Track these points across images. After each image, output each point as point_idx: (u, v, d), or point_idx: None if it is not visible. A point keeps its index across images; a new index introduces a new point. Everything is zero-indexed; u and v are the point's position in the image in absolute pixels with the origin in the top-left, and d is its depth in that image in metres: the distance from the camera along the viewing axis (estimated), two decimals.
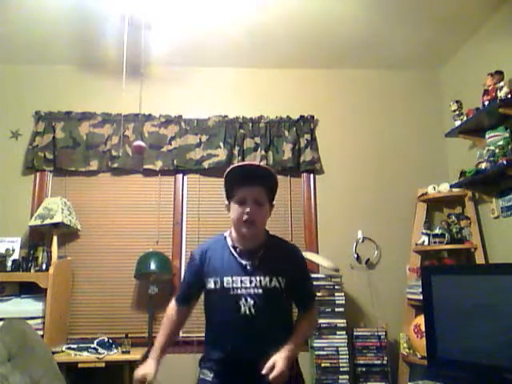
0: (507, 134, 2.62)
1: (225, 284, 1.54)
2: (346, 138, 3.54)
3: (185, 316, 1.74)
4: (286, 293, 1.58)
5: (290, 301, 1.65)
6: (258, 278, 1.53)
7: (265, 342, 1.50)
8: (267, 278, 1.54)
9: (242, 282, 1.53)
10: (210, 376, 1.59)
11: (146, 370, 1.61)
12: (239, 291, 1.52)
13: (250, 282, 1.53)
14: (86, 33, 3.08)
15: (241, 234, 1.59)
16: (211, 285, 1.57)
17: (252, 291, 1.52)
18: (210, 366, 1.61)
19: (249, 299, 1.51)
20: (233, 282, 1.54)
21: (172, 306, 1.73)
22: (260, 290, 1.52)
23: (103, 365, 2.69)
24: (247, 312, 1.50)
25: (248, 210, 1.55)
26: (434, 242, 3.09)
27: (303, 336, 1.64)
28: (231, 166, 1.64)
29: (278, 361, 1.41)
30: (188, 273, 1.70)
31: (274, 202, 1.68)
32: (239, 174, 1.60)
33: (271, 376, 1.38)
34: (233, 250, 1.61)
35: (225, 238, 1.67)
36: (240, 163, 1.76)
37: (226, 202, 1.65)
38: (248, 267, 1.56)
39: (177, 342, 3.17)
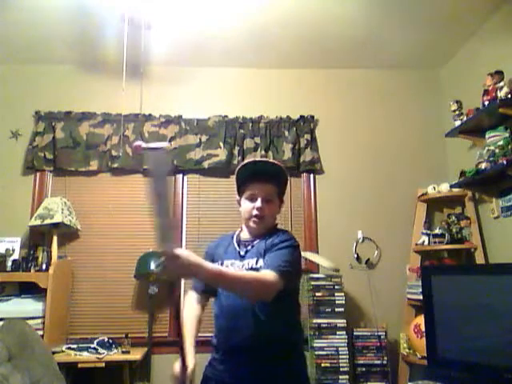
0: (507, 134, 2.62)
1: (224, 265, 1.62)
2: (345, 138, 3.54)
3: (203, 305, 1.73)
4: None
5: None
6: (247, 261, 1.61)
7: (253, 322, 1.54)
8: (254, 260, 1.60)
9: (237, 265, 1.62)
10: (208, 361, 1.68)
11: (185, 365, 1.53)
12: None
13: (242, 265, 1.61)
14: (86, 33, 3.08)
15: (250, 228, 1.68)
16: (218, 262, 1.65)
17: None
18: (211, 349, 1.68)
19: None
20: (230, 264, 1.62)
21: (190, 295, 1.73)
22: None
23: (103, 365, 2.69)
24: None
25: (258, 205, 1.62)
26: (434, 242, 3.09)
27: (233, 276, 1.41)
28: (243, 163, 1.72)
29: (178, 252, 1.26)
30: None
31: (284, 199, 1.76)
32: (250, 171, 1.67)
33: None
34: (234, 240, 1.71)
35: (234, 233, 1.77)
36: (251, 159, 1.80)
37: (237, 197, 1.73)
38: (241, 253, 1.65)
39: (177, 342, 3.17)
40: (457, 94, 3.14)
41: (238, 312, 1.56)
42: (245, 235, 1.71)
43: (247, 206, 1.65)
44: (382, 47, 3.33)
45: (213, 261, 1.66)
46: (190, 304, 1.69)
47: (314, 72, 3.62)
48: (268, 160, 1.75)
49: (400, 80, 3.65)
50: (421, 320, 2.74)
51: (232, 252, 1.67)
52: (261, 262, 1.57)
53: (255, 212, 1.62)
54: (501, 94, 2.52)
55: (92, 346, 2.79)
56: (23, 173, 3.34)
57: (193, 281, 1.76)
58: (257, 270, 1.54)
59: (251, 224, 1.65)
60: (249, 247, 1.66)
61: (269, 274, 1.44)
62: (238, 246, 1.68)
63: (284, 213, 3.37)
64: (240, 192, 1.71)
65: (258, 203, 1.62)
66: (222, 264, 1.63)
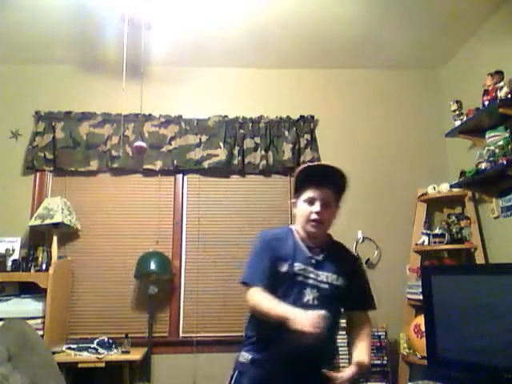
0: (507, 134, 2.61)
1: (295, 270, 1.56)
2: (345, 138, 3.54)
3: None
4: (347, 293, 1.63)
5: (341, 306, 1.69)
6: (324, 274, 1.59)
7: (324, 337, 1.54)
8: (334, 276, 1.59)
9: (309, 271, 1.57)
10: (247, 359, 1.59)
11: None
12: (306, 280, 1.56)
13: (317, 275, 1.57)
14: (86, 33, 3.08)
15: (308, 232, 1.64)
16: (284, 268, 1.57)
17: (318, 284, 1.56)
18: (252, 350, 1.60)
19: (314, 290, 1.56)
20: (302, 269, 1.57)
21: (256, 290, 1.53)
22: (326, 286, 1.57)
23: (103, 365, 2.69)
24: (310, 301, 1.54)
25: (317, 210, 1.59)
26: (434, 242, 3.09)
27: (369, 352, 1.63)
28: (304, 165, 1.68)
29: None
30: (263, 253, 1.61)
31: (340, 205, 1.74)
32: (312, 174, 1.64)
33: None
34: (300, 242, 1.65)
35: (291, 229, 1.70)
36: (313, 163, 1.76)
37: (293, 200, 1.70)
38: (313, 261, 1.60)
39: (177, 342, 3.18)
40: (457, 94, 3.14)
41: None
42: (305, 239, 1.65)
43: (305, 209, 1.62)
44: (382, 47, 3.33)
45: (276, 253, 1.59)
46: (264, 295, 1.53)
47: (313, 72, 3.62)
48: (329, 164, 1.69)
49: (400, 80, 3.65)
50: (421, 320, 2.74)
51: (302, 256, 1.60)
52: (340, 281, 1.60)
53: (314, 216, 1.59)
54: (501, 94, 2.52)
55: (92, 346, 2.79)
56: (23, 173, 3.34)
57: (252, 274, 1.60)
58: (336, 287, 1.59)
59: (309, 228, 1.61)
60: (319, 257, 1.62)
61: (368, 323, 1.72)
62: (308, 249, 1.62)
63: (284, 213, 3.37)
64: (297, 194, 1.67)
65: (317, 207, 1.60)
66: (292, 267, 1.56)
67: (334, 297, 1.59)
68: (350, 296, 1.65)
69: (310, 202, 1.61)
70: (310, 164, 1.69)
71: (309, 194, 1.62)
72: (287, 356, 1.49)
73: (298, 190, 1.67)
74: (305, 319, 1.37)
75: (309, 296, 1.54)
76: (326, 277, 1.58)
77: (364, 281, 1.75)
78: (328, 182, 1.63)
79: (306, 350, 1.46)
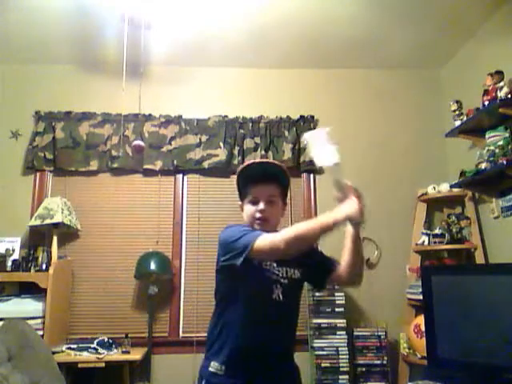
0: (507, 134, 2.61)
1: (262, 265, 1.56)
2: (345, 138, 3.53)
3: None
4: (307, 279, 1.68)
5: (301, 297, 1.70)
6: (283, 269, 1.58)
7: (284, 330, 1.59)
8: (291, 270, 1.59)
9: (273, 267, 1.57)
10: (221, 370, 1.52)
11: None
12: (272, 276, 1.56)
13: (278, 270, 1.57)
14: (86, 33, 3.08)
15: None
16: (255, 261, 1.53)
17: (281, 279, 1.57)
18: (222, 357, 1.53)
19: (279, 286, 1.56)
20: (267, 265, 1.57)
21: (266, 235, 1.46)
22: (286, 280, 1.57)
23: (103, 365, 2.69)
24: (277, 297, 1.54)
25: (260, 208, 1.58)
26: (434, 242, 3.09)
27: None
28: (242, 165, 1.66)
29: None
30: (247, 228, 1.57)
31: (287, 201, 1.71)
32: (251, 174, 1.63)
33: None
34: None
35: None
36: (250, 162, 1.73)
37: (239, 203, 1.68)
38: None
39: (177, 342, 3.18)
40: (457, 94, 3.14)
41: (267, 309, 1.54)
42: None
43: (250, 210, 1.60)
44: (382, 47, 3.33)
45: None
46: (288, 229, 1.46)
47: (314, 72, 3.62)
48: (268, 161, 1.66)
49: (400, 80, 3.65)
50: (421, 320, 2.74)
51: None
52: (296, 274, 1.60)
53: (258, 215, 1.58)
54: (501, 94, 2.52)
55: (92, 346, 2.79)
56: (23, 173, 3.34)
57: (249, 235, 1.48)
58: (294, 280, 1.59)
59: (256, 227, 1.60)
60: None
61: None
62: None
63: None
64: (242, 197, 1.66)
65: (261, 205, 1.58)
66: (260, 263, 1.54)
67: (294, 290, 1.62)
68: (320, 268, 1.67)
69: (254, 201, 1.60)
70: (247, 163, 1.67)
71: (252, 194, 1.61)
72: (258, 353, 1.51)
73: (242, 192, 1.66)
74: (356, 205, 1.46)
75: (276, 291, 1.54)
76: (285, 272, 1.58)
77: (320, 252, 1.77)
78: (269, 178, 1.61)
79: (277, 344, 1.53)
